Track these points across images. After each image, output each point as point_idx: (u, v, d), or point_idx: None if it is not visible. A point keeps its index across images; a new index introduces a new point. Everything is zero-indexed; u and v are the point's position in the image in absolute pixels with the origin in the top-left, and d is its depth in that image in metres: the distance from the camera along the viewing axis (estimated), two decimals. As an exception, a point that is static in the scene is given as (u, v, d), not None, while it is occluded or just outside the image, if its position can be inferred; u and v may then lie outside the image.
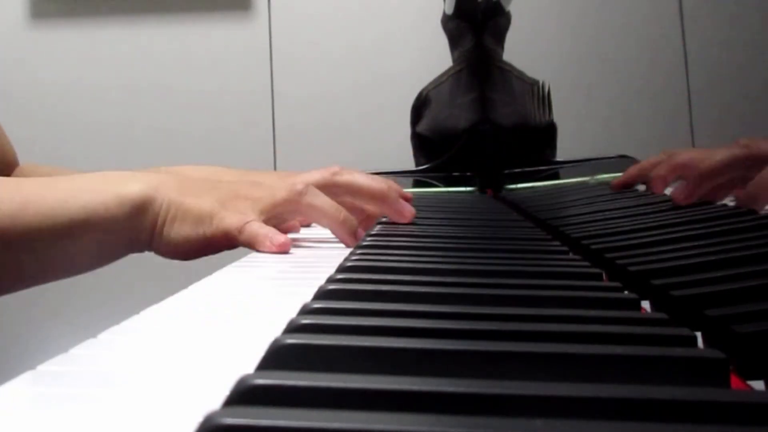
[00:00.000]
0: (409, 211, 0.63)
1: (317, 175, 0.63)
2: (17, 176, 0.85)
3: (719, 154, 0.67)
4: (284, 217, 0.61)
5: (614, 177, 0.91)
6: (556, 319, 0.27)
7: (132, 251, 0.59)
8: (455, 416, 0.17)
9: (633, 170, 0.88)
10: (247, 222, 0.55)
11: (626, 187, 0.88)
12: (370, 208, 0.65)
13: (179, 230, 0.56)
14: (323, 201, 0.58)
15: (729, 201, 0.70)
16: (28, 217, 0.54)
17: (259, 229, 0.55)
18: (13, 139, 0.88)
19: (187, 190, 0.58)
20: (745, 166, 0.65)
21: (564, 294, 0.32)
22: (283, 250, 0.54)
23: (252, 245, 0.55)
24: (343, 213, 0.58)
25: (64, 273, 0.59)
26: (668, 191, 0.78)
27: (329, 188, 0.61)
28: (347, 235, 0.58)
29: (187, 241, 0.56)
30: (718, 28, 1.74)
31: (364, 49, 1.75)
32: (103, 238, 0.56)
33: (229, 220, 0.55)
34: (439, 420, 0.17)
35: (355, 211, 0.64)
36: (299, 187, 0.58)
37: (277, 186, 0.60)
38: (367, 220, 0.68)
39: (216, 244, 0.56)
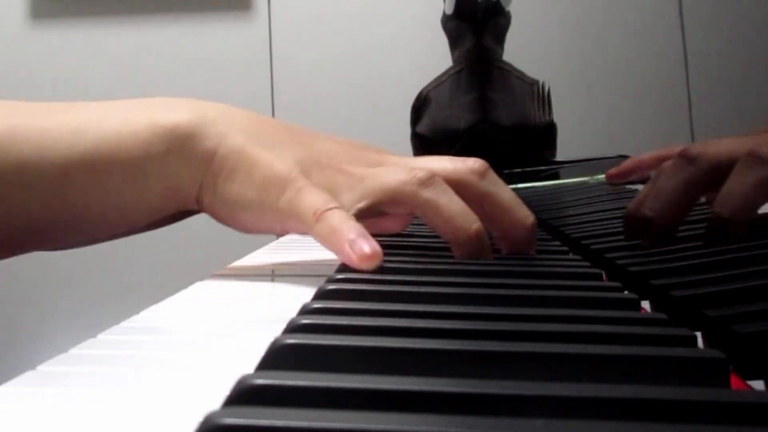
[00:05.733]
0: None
1: (401, 177, 0.41)
2: None
3: (750, 181, 0.44)
4: (384, 210, 0.42)
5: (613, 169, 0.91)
6: (556, 319, 0.27)
7: (178, 206, 0.43)
8: (455, 416, 0.17)
9: (631, 162, 0.86)
10: (330, 208, 0.39)
11: (622, 178, 0.87)
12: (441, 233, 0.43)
13: (240, 190, 0.41)
14: (452, 200, 0.40)
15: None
16: (16, 148, 0.40)
17: (342, 223, 0.38)
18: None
19: (261, 136, 0.42)
20: None
21: (564, 294, 0.32)
22: (368, 265, 0.36)
23: (326, 243, 0.38)
24: (475, 225, 0.40)
25: (83, 230, 0.44)
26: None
27: (402, 199, 0.42)
28: (469, 256, 0.40)
29: (245, 209, 0.41)
30: (718, 28, 1.74)
31: (363, 49, 1.75)
32: (133, 181, 0.41)
33: (309, 198, 0.39)
34: (439, 420, 0.17)
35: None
36: (421, 174, 0.40)
37: (388, 163, 0.43)
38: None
39: (284, 222, 0.41)
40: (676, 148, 0.73)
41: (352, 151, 0.44)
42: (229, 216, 0.42)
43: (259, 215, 0.41)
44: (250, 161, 0.41)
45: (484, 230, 0.41)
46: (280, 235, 0.42)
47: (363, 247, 0.36)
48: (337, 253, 0.37)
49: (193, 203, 0.43)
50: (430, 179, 0.40)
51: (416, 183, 0.40)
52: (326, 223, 0.38)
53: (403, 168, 0.42)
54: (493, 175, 0.43)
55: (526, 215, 0.43)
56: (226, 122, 0.42)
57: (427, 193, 0.40)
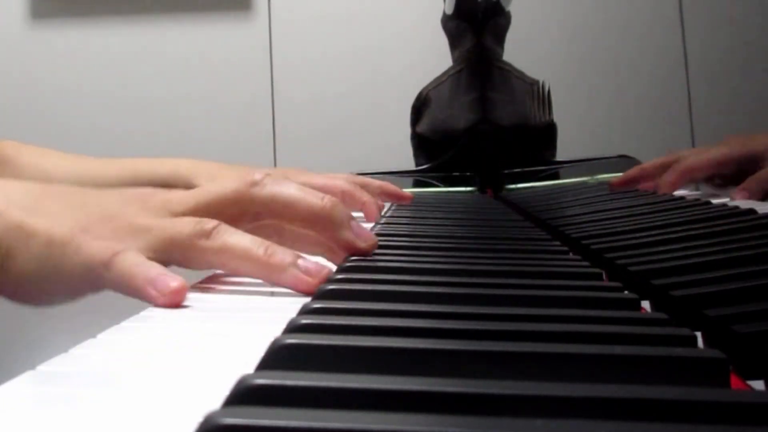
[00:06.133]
0: (366, 241, 0.41)
1: (229, 187, 0.41)
2: None
3: (713, 152, 0.77)
4: (179, 265, 0.40)
5: (614, 177, 0.91)
6: (556, 319, 0.27)
7: None
8: (455, 416, 0.17)
9: (634, 171, 0.87)
10: (117, 252, 0.36)
11: (625, 186, 0.87)
12: (308, 233, 0.42)
13: (23, 263, 0.37)
14: (239, 239, 0.38)
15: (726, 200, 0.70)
16: None
17: (135, 265, 0.36)
18: (12, 139, 0.88)
19: (40, 206, 0.39)
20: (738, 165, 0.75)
21: (564, 294, 0.32)
22: (173, 301, 0.34)
23: (125, 289, 0.35)
24: (260, 249, 0.38)
25: None
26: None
27: (244, 207, 0.41)
28: (285, 276, 0.37)
29: (31, 280, 0.38)
30: (718, 28, 1.74)
31: (364, 49, 1.75)
32: None
33: (90, 251, 0.37)
34: (439, 420, 0.17)
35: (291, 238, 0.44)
36: (207, 226, 0.38)
37: (174, 209, 0.41)
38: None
39: (75, 284, 0.38)
40: (679, 155, 0.83)
41: (138, 202, 0.41)
42: (25, 293, 0.39)
43: (48, 285, 0.38)
44: (27, 233, 0.38)
45: (279, 247, 0.38)
46: (78, 299, 0.39)
47: (169, 283, 0.34)
48: (139, 296, 0.35)
49: None
50: (214, 228, 0.38)
51: (198, 234, 0.38)
52: (117, 268, 0.36)
53: (189, 221, 0.39)
54: (270, 179, 0.41)
55: (316, 200, 0.40)
56: (5, 200, 0.39)
57: (214, 243, 0.38)
